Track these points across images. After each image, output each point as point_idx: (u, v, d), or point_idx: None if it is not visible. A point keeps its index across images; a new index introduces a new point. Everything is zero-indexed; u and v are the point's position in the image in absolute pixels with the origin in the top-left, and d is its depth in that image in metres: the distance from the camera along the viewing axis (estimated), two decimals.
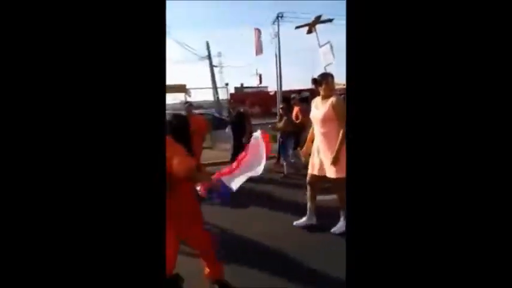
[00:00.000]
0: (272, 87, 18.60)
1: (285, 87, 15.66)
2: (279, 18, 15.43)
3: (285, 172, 4.83)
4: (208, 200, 1.90)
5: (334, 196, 2.86)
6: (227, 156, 5.56)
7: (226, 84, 18.08)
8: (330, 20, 7.96)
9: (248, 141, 4.90)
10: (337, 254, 2.39)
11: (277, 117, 5.11)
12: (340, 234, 2.61)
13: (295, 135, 4.86)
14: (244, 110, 5.20)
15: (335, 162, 2.49)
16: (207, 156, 5.98)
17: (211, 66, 18.29)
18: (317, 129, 2.71)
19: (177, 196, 1.71)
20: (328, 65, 6.07)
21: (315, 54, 6.24)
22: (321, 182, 2.75)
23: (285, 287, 2.00)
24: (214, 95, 17.78)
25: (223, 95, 18.00)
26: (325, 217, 2.91)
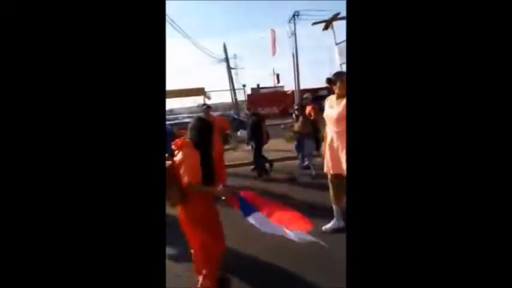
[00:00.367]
0: (289, 87, 18.52)
1: (302, 86, 15.56)
2: (295, 16, 15.33)
3: (313, 173, 4.63)
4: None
5: None
6: (248, 157, 5.58)
7: (244, 86, 18.20)
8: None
9: (266, 142, 4.94)
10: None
11: (293, 117, 5.01)
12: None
13: (314, 135, 4.79)
14: (259, 113, 5.21)
15: None
16: (230, 157, 6.03)
17: (229, 68, 18.47)
18: (330, 128, 2.64)
19: (191, 204, 1.69)
20: (343, 63, 5.97)
21: (332, 52, 6.15)
22: (342, 180, 2.66)
23: None
24: (232, 97, 17.96)
25: (240, 97, 18.19)
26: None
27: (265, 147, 5.06)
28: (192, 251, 1.87)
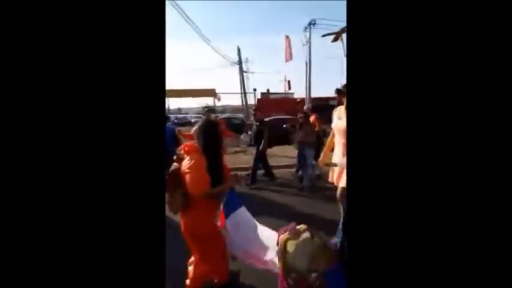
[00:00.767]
0: (298, 94, 18.49)
1: (313, 95, 15.54)
2: (311, 25, 15.37)
3: (304, 184, 4.64)
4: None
5: None
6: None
7: (254, 90, 18.27)
8: None
9: (264, 148, 4.91)
10: None
11: (297, 126, 4.97)
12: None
13: (317, 144, 4.72)
14: (264, 120, 5.15)
15: None
16: (239, 160, 6.02)
17: (241, 71, 18.56)
18: (338, 140, 2.61)
19: (193, 214, 1.65)
20: None
21: (344, 62, 6.13)
22: None
23: None
24: (242, 100, 18.04)
25: (250, 100, 18.24)
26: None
27: (273, 152, 5.04)
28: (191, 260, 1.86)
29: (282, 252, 0.96)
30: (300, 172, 4.91)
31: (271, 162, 5.40)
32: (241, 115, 15.79)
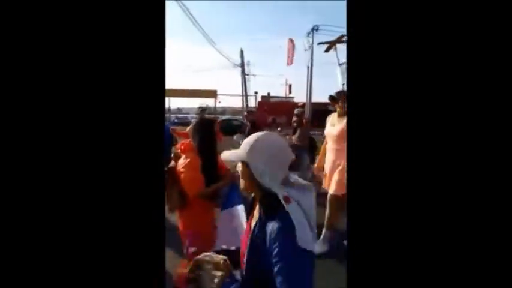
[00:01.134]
0: (298, 98, 18.50)
1: (313, 99, 15.57)
2: (314, 30, 15.45)
3: None
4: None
5: None
6: None
7: (256, 93, 18.31)
8: None
9: None
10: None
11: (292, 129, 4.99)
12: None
13: (309, 148, 4.71)
14: (256, 122, 5.12)
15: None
16: (228, 162, 5.98)
17: (244, 74, 18.60)
18: (330, 146, 2.64)
19: (189, 214, 1.64)
20: (345, 83, 5.99)
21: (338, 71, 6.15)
22: (342, 202, 2.59)
23: None
24: (243, 103, 18.08)
25: (251, 103, 18.29)
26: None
27: None
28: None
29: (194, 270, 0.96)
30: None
31: None
32: (240, 117, 15.82)
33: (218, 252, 1.24)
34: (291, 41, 15.47)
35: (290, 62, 15.61)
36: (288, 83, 20.38)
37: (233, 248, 1.67)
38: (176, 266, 1.95)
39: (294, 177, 0.94)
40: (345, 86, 5.34)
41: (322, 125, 2.82)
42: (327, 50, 7.51)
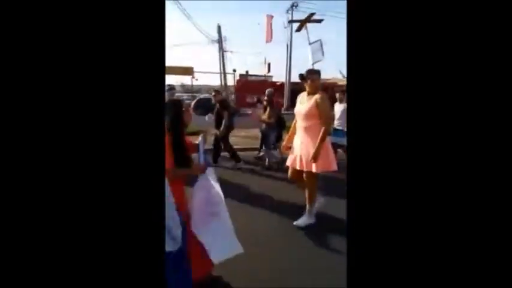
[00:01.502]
0: (277, 77, 18.38)
1: (293, 79, 15.53)
2: (294, 7, 15.11)
3: (266, 164, 4.89)
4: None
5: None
6: (240, 142, 5.66)
7: (234, 71, 17.95)
8: (319, 21, 7.73)
9: (224, 133, 4.94)
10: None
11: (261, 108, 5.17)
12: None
13: (278, 127, 4.97)
14: (224, 101, 5.02)
15: (315, 158, 2.52)
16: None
17: (222, 51, 18.01)
18: (299, 124, 2.72)
19: None
20: (316, 62, 6.01)
21: (324, 46, 6.13)
22: (313, 178, 2.73)
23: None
24: (221, 80, 17.67)
25: (229, 81, 17.92)
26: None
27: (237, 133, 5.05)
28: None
29: None
30: (263, 152, 5.08)
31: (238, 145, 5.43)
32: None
33: None
34: (270, 17, 15.10)
35: (269, 38, 15.32)
36: (268, 61, 20.12)
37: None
38: None
39: None
40: (316, 66, 5.41)
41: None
42: (298, 30, 7.39)
